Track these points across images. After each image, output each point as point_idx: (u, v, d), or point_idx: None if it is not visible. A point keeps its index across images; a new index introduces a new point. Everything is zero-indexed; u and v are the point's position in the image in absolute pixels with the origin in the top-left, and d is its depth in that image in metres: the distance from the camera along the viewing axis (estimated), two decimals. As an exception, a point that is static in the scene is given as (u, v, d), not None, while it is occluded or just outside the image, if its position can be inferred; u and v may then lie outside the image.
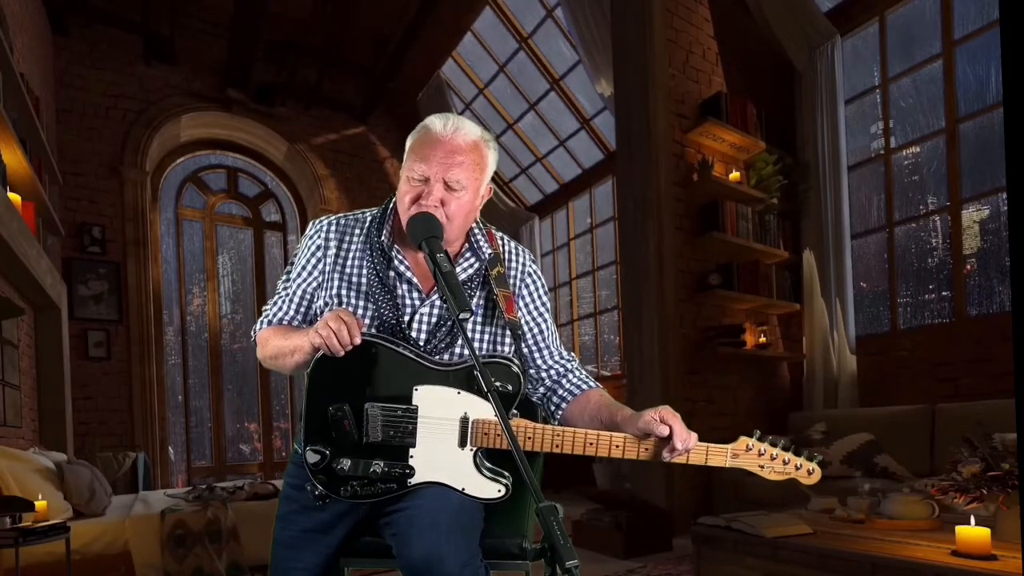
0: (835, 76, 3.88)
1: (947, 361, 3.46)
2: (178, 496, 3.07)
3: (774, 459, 1.08)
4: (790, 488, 3.12)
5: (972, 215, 3.50)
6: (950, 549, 1.73)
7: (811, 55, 3.97)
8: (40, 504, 2.14)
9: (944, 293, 3.61)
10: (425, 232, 1.03)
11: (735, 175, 3.94)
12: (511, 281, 1.20)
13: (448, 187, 1.07)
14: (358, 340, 1.00)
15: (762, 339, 3.97)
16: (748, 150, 4.09)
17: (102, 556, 2.51)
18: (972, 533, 1.66)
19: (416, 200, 1.07)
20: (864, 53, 4.02)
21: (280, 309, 1.17)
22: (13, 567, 1.98)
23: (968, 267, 3.50)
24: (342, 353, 0.99)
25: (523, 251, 1.26)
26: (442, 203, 1.07)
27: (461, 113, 6.57)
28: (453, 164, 1.06)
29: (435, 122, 1.08)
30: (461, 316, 0.94)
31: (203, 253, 5.90)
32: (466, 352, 1.12)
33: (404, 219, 1.09)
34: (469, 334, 1.14)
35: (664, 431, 1.02)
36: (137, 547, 2.56)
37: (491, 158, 1.13)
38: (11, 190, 2.95)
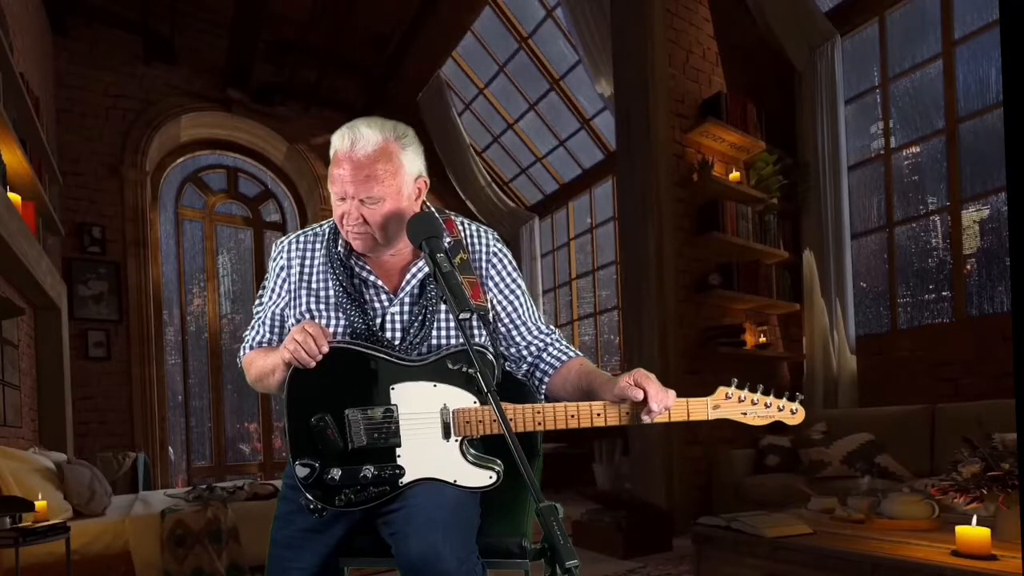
0: (835, 76, 3.87)
1: (947, 361, 3.46)
2: (178, 496, 3.07)
3: (755, 404, 1.08)
4: (790, 488, 3.12)
5: (972, 215, 3.49)
6: (950, 549, 1.72)
7: (811, 55, 3.96)
8: (40, 504, 2.14)
9: (944, 293, 3.61)
10: (425, 232, 1.03)
11: (735, 175, 3.94)
12: (475, 265, 1.19)
13: (363, 204, 1.06)
14: (325, 348, 1.01)
15: (762, 339, 3.96)
16: (748, 150, 4.09)
17: (102, 556, 2.51)
18: (972, 533, 1.66)
19: (342, 219, 1.09)
20: (864, 53, 4.02)
21: (258, 333, 1.20)
22: (13, 567, 1.98)
23: (968, 267, 3.50)
24: (312, 364, 1.01)
25: (485, 231, 1.23)
26: (364, 219, 1.07)
27: (461, 114, 6.58)
28: (360, 181, 1.04)
29: (336, 141, 1.07)
30: (461, 316, 0.94)
31: (203, 253, 5.90)
32: (440, 343, 1.13)
33: (344, 237, 1.12)
34: (441, 326, 1.14)
35: (638, 395, 1.01)
36: (137, 547, 2.56)
37: (408, 154, 1.09)
38: (11, 190, 2.95)
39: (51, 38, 4.61)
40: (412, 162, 1.10)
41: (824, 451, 3.20)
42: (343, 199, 1.07)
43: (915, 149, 3.79)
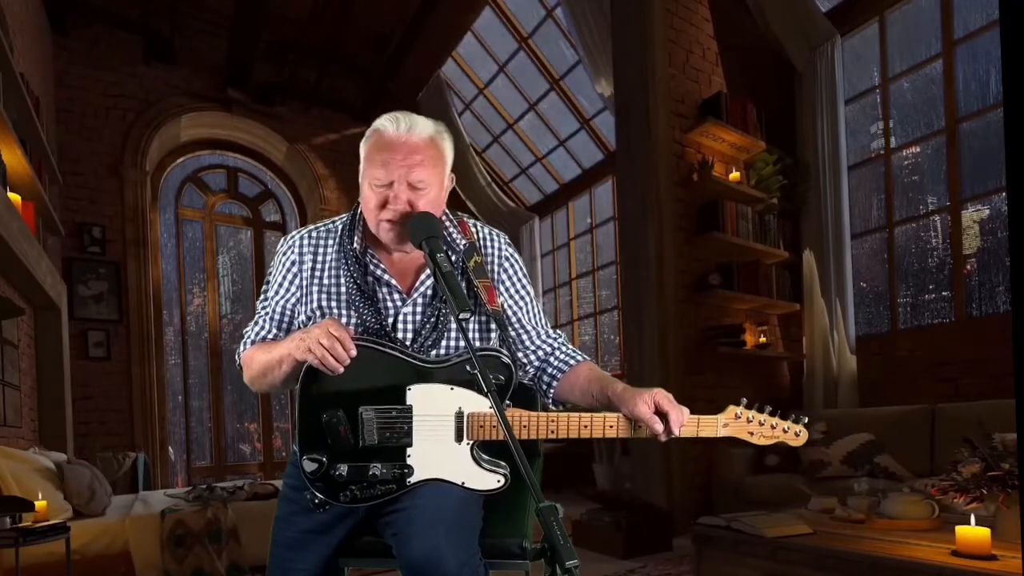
0: (835, 76, 3.87)
1: (947, 361, 3.46)
2: (178, 496, 3.07)
3: (762, 425, 1.10)
4: (790, 488, 3.12)
5: (972, 215, 3.49)
6: (950, 549, 1.72)
7: (811, 55, 3.96)
8: (40, 504, 2.14)
9: (944, 293, 3.61)
10: (425, 232, 1.03)
11: (735, 175, 3.94)
12: (489, 268, 1.20)
13: (412, 188, 1.07)
14: (354, 353, 0.99)
15: (762, 339, 3.96)
16: (748, 150, 4.09)
17: (102, 556, 2.51)
18: (972, 533, 1.66)
19: (383, 206, 1.07)
20: (864, 53, 4.02)
21: (263, 328, 1.17)
22: (13, 567, 1.98)
23: (968, 267, 3.50)
24: (340, 371, 0.98)
25: (498, 235, 1.24)
26: (410, 204, 1.07)
27: (461, 114, 6.59)
28: (414, 165, 1.06)
29: (387, 124, 1.07)
30: (461, 316, 0.94)
31: (203, 253, 5.90)
32: (454, 347, 1.13)
33: (373, 226, 1.10)
34: (453, 328, 1.14)
35: (659, 428, 1.02)
36: (137, 547, 2.56)
37: (448, 150, 1.12)
38: (11, 190, 2.95)
39: (51, 38, 4.61)
40: (449, 157, 1.13)
41: (824, 451, 3.20)
42: (388, 184, 1.06)
43: (915, 149, 3.79)
